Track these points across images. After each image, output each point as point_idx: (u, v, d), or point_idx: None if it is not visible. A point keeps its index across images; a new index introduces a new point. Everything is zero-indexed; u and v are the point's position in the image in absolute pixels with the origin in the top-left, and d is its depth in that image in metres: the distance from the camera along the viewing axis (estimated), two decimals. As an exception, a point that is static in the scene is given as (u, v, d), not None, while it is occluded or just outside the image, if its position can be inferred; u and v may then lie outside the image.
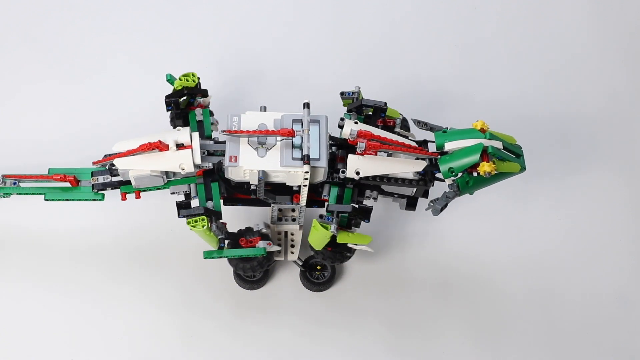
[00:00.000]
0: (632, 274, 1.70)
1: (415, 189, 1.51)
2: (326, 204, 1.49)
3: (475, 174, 1.42)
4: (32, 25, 1.96)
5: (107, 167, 1.50)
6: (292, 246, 1.61)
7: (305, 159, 1.41)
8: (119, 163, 1.45)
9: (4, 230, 1.68)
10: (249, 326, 1.61)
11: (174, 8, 2.01)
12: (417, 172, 1.47)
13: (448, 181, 1.45)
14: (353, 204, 1.48)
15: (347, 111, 1.54)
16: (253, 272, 1.53)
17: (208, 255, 1.46)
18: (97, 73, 1.90)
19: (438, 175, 1.48)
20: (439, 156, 1.46)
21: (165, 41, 1.96)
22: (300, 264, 1.64)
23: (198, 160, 1.44)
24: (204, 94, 1.55)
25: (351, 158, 1.45)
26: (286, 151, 1.43)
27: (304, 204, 1.50)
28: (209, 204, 1.47)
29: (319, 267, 1.64)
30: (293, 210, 1.56)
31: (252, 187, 1.46)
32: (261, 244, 1.48)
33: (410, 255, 1.70)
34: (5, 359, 1.56)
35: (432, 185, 1.49)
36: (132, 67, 1.91)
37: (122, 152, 1.45)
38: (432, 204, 1.47)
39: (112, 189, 1.50)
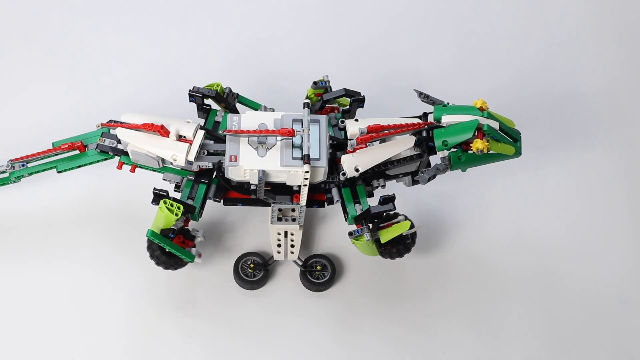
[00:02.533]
0: (631, 273, 1.71)
1: (419, 163, 1.52)
2: (347, 215, 1.50)
3: (470, 152, 1.43)
4: (33, 26, 1.96)
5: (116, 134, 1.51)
6: (292, 246, 1.61)
7: (306, 159, 1.41)
8: (120, 133, 1.46)
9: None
10: (249, 326, 1.60)
11: (174, 12, 2.01)
12: (414, 147, 1.48)
13: (441, 154, 1.46)
14: (371, 205, 1.49)
15: (324, 101, 1.55)
16: (165, 267, 1.50)
17: (152, 235, 1.43)
18: (97, 74, 1.90)
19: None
20: (426, 126, 1.47)
21: (167, 44, 1.96)
22: (300, 264, 1.64)
23: (192, 157, 1.44)
24: (227, 105, 1.56)
25: (345, 158, 1.45)
26: (286, 151, 1.43)
27: (304, 203, 1.50)
28: (189, 202, 1.48)
29: (319, 267, 1.64)
30: (293, 210, 1.56)
31: (252, 187, 1.46)
32: (194, 251, 1.49)
33: (409, 254, 1.69)
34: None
35: (433, 154, 1.50)
36: (132, 68, 1.92)
37: (127, 124, 1.46)
38: (421, 173, 1.48)
39: (114, 154, 1.51)
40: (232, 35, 1.98)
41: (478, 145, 1.40)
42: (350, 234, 1.48)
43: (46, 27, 1.97)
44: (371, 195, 1.53)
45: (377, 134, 1.44)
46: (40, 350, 1.56)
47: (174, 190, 1.53)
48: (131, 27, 1.98)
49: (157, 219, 1.45)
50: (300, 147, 1.43)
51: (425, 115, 1.53)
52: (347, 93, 1.54)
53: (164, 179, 1.52)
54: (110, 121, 1.50)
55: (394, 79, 1.91)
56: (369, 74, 1.92)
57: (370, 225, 1.50)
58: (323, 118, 1.48)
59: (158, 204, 1.46)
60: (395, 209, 1.48)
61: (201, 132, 1.46)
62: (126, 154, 1.49)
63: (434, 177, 1.47)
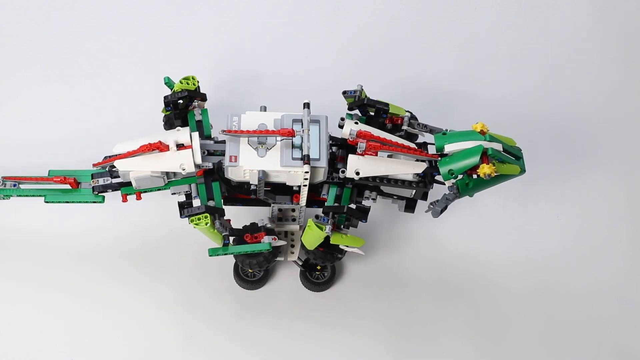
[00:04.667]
0: (631, 273, 1.71)
1: (414, 191, 1.51)
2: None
3: (475, 176, 1.42)
4: (33, 27, 1.96)
5: (107, 169, 1.50)
6: (292, 246, 1.61)
7: (305, 159, 1.41)
8: (119, 164, 1.45)
9: (4, 231, 1.68)
10: (249, 326, 1.60)
11: (173, 10, 2.01)
12: (417, 174, 1.47)
13: (448, 183, 1.45)
14: (349, 205, 1.47)
15: (349, 108, 1.53)
16: (260, 268, 1.53)
17: (213, 252, 1.45)
18: (97, 74, 1.90)
19: (438, 177, 1.48)
20: (439, 158, 1.46)
21: (165, 43, 1.96)
22: (300, 264, 1.64)
23: (199, 160, 1.44)
24: (203, 98, 1.55)
25: (351, 158, 1.45)
26: (286, 151, 1.43)
27: (304, 204, 1.50)
28: (211, 203, 1.47)
29: (319, 267, 1.63)
30: (293, 210, 1.56)
31: (252, 187, 1.46)
32: (266, 239, 1.48)
33: (410, 255, 1.69)
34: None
35: (432, 188, 1.49)
36: (132, 68, 1.92)
37: (122, 154, 1.45)
38: (432, 206, 1.47)
39: (112, 190, 1.50)
40: (232, 36, 1.98)
41: (485, 170, 1.39)
42: (317, 217, 1.46)
43: (46, 29, 1.96)
44: (358, 203, 1.52)
45: (368, 142, 1.42)
46: (39, 349, 1.56)
47: (186, 200, 1.51)
48: (132, 28, 1.98)
49: (208, 236, 1.46)
50: (300, 148, 1.43)
51: (425, 145, 1.52)
52: (368, 103, 1.52)
53: (172, 193, 1.50)
54: (105, 158, 1.49)
55: (395, 83, 1.91)
56: (373, 80, 1.91)
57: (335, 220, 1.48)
58: (323, 118, 1.47)
59: (187, 216, 1.44)
60: (366, 221, 1.48)
61: (196, 134, 1.45)
62: (125, 185, 1.49)
63: (445, 208, 1.46)
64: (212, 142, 1.51)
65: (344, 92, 1.54)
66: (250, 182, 1.45)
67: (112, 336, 1.58)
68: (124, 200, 1.50)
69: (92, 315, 1.60)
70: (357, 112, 1.54)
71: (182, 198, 1.51)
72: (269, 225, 1.50)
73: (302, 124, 1.45)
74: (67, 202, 1.52)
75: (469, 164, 1.41)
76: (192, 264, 1.64)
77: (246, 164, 1.43)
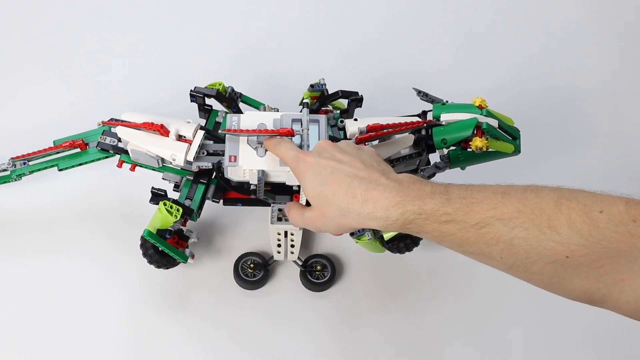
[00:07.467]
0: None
1: (418, 161, 1.53)
2: None
3: (469, 150, 1.44)
4: (34, 24, 1.97)
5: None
6: (292, 246, 1.61)
7: (305, 158, 1.41)
8: (119, 131, 1.47)
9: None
10: (249, 326, 1.60)
11: (176, 11, 2.02)
12: (413, 145, 1.49)
13: (440, 152, 1.46)
14: None
15: (320, 104, 1.56)
16: (156, 265, 1.52)
17: (148, 235, 1.44)
18: (96, 73, 1.91)
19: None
20: (424, 125, 1.48)
21: (167, 42, 1.97)
22: (300, 264, 1.64)
23: (191, 157, 1.45)
24: (230, 104, 1.56)
25: None
26: (286, 150, 1.43)
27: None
28: (187, 202, 1.49)
29: (319, 267, 1.64)
30: (293, 210, 1.56)
31: (252, 187, 1.46)
32: (187, 252, 1.51)
33: (409, 254, 1.69)
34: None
35: (433, 152, 1.51)
36: (131, 68, 1.92)
37: (127, 122, 1.47)
38: (421, 172, 1.49)
39: (114, 152, 1.51)
40: (233, 34, 1.99)
41: (477, 143, 1.41)
42: (352, 234, 1.48)
43: (46, 25, 1.97)
44: None
45: (377, 133, 1.45)
46: (39, 349, 1.56)
47: (173, 190, 1.53)
48: (132, 25, 1.99)
49: (154, 219, 1.46)
50: (300, 147, 1.43)
51: (424, 113, 1.54)
52: (343, 94, 1.54)
53: (163, 179, 1.52)
54: (111, 119, 1.51)
55: (393, 80, 1.92)
56: (368, 74, 1.92)
57: None
58: (322, 118, 1.48)
59: (156, 203, 1.47)
60: None
61: (201, 133, 1.46)
62: (126, 152, 1.50)
63: (433, 175, 1.48)
64: (211, 142, 1.51)
65: (312, 86, 1.58)
66: (250, 182, 1.46)
67: (113, 336, 1.58)
68: (119, 165, 1.52)
69: (92, 316, 1.60)
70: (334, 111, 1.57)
71: (171, 186, 1.54)
72: (192, 240, 1.53)
73: (301, 124, 1.45)
74: (80, 164, 1.53)
75: (461, 136, 1.43)
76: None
77: (246, 164, 1.43)
